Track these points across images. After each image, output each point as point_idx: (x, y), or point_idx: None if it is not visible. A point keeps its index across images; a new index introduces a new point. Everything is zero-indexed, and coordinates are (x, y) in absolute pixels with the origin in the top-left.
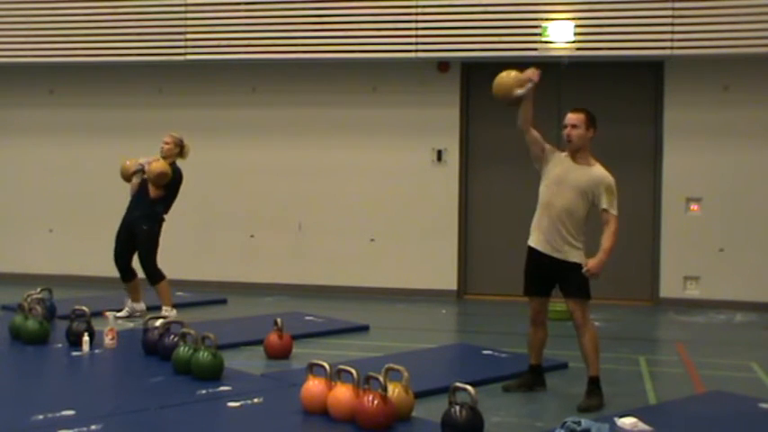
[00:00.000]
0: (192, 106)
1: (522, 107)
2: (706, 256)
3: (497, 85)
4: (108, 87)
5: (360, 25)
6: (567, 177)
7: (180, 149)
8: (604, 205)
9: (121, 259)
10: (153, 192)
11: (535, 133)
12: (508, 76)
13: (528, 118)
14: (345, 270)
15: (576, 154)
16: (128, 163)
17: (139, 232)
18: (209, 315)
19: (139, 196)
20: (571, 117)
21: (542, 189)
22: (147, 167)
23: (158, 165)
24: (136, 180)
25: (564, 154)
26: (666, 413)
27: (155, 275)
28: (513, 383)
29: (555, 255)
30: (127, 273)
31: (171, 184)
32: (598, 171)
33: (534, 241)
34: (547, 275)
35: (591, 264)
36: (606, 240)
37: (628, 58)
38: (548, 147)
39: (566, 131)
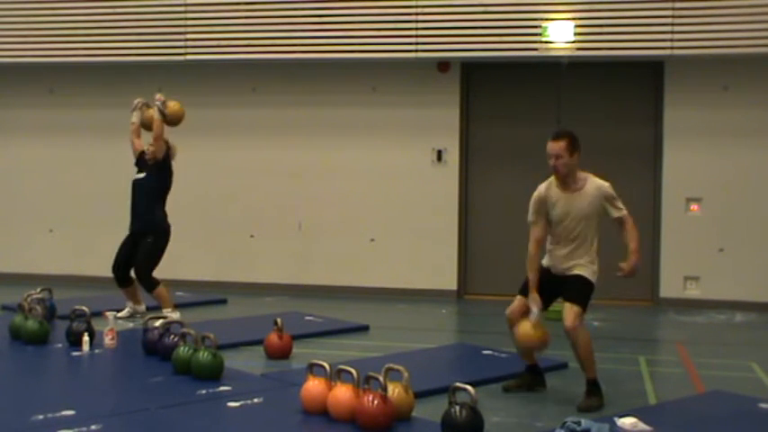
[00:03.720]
0: (191, 106)
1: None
2: (706, 256)
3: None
4: (108, 87)
5: (360, 25)
6: (570, 211)
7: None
8: (614, 214)
9: (120, 266)
10: (157, 126)
11: (540, 233)
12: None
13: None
14: (345, 270)
15: (564, 181)
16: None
17: (143, 243)
18: (209, 315)
19: (139, 197)
20: (553, 147)
21: (551, 227)
22: (162, 103)
23: (176, 103)
24: (137, 114)
25: (555, 187)
26: (666, 413)
27: (149, 284)
28: (512, 383)
29: (565, 273)
30: (123, 280)
31: (166, 167)
32: (591, 188)
33: (547, 262)
34: (551, 287)
35: (626, 267)
36: (632, 241)
37: (628, 58)
38: (543, 205)
39: (551, 163)
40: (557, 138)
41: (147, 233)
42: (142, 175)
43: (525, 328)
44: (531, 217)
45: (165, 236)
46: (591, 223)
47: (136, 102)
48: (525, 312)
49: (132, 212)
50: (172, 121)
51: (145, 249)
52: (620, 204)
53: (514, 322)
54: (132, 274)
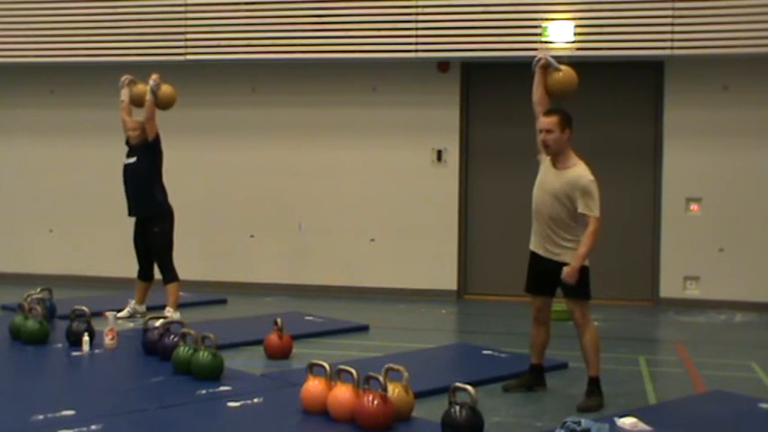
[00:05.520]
0: (191, 106)
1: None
2: (706, 256)
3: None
4: (108, 87)
5: (360, 25)
6: (545, 184)
7: (142, 131)
8: (580, 209)
9: (142, 260)
10: (149, 108)
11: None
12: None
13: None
14: (345, 270)
15: (555, 158)
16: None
17: (151, 235)
18: (209, 315)
19: (133, 184)
20: (544, 121)
21: (533, 193)
22: (156, 86)
23: (170, 89)
24: (125, 92)
25: (549, 161)
26: (666, 413)
27: (170, 275)
28: (513, 383)
29: (551, 257)
30: (146, 273)
31: (155, 148)
32: (573, 173)
33: (533, 245)
34: (547, 276)
35: (565, 272)
36: (582, 246)
37: (628, 58)
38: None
39: (541, 137)
40: (549, 113)
41: (151, 221)
42: (132, 159)
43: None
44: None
45: (170, 219)
46: (561, 207)
47: (123, 79)
48: (549, 307)
49: (129, 197)
50: (162, 103)
51: (157, 242)
52: (591, 203)
53: (540, 319)
54: (155, 268)
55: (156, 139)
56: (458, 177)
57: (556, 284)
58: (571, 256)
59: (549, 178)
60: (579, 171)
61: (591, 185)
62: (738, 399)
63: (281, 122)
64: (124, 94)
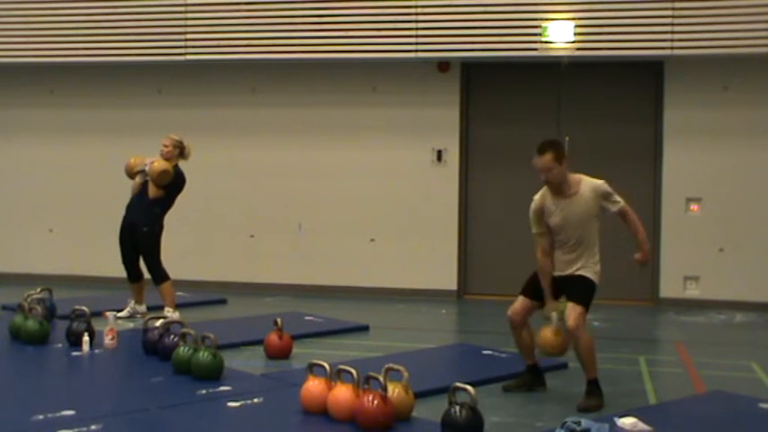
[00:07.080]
0: (191, 106)
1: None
2: (706, 256)
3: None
4: (108, 87)
5: (360, 25)
6: (568, 218)
7: (180, 151)
8: (613, 209)
9: (128, 261)
10: (153, 191)
11: (547, 242)
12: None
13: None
14: (345, 270)
15: (560, 188)
16: (132, 161)
17: (140, 234)
18: (209, 315)
19: (139, 196)
20: (540, 162)
21: (551, 232)
22: (148, 167)
23: (160, 164)
24: (139, 179)
25: (550, 195)
26: (666, 413)
27: (159, 276)
28: (512, 383)
29: (566, 273)
30: (133, 273)
31: (172, 185)
32: (586, 191)
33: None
34: (553, 286)
35: (640, 256)
36: (638, 233)
37: (628, 58)
38: (542, 215)
39: (542, 177)
40: (541, 152)
41: (142, 224)
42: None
43: (547, 335)
44: (534, 229)
45: (159, 226)
46: (589, 227)
47: (141, 167)
48: (528, 313)
49: (129, 203)
50: (157, 181)
51: (145, 240)
52: (616, 198)
53: (516, 323)
54: (143, 267)
55: (169, 185)
56: (458, 177)
57: (557, 294)
58: (587, 271)
59: (565, 209)
60: (589, 185)
61: (605, 185)
62: (738, 399)
63: (281, 122)
64: (140, 177)
